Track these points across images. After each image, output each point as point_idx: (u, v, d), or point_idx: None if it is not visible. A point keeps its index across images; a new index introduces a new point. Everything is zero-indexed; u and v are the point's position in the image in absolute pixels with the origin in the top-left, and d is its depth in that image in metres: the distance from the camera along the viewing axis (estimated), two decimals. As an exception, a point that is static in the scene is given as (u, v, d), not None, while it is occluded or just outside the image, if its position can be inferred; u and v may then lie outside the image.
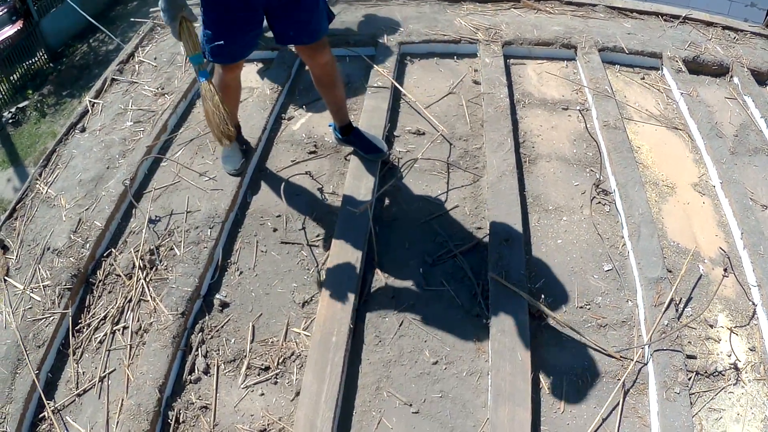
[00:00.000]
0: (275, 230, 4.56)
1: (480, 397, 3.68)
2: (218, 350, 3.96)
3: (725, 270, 4.43)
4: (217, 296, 4.21)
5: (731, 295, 4.34)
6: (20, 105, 17.43)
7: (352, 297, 4.00)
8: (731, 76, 6.43)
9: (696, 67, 6.42)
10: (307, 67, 5.17)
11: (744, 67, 6.44)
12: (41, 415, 3.87)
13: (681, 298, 4.23)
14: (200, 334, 4.03)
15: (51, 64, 19.00)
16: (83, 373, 4.02)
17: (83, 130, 5.77)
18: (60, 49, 19.43)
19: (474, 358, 3.85)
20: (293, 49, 5.97)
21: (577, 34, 6.29)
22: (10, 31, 17.52)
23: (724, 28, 7.09)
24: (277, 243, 4.48)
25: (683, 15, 7.11)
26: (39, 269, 4.55)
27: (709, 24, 7.09)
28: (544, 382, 3.78)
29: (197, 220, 4.57)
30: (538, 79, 5.96)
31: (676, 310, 4.11)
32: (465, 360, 3.85)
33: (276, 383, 3.80)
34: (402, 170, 4.93)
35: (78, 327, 4.24)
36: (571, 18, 6.63)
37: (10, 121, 17.00)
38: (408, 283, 4.21)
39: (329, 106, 4.79)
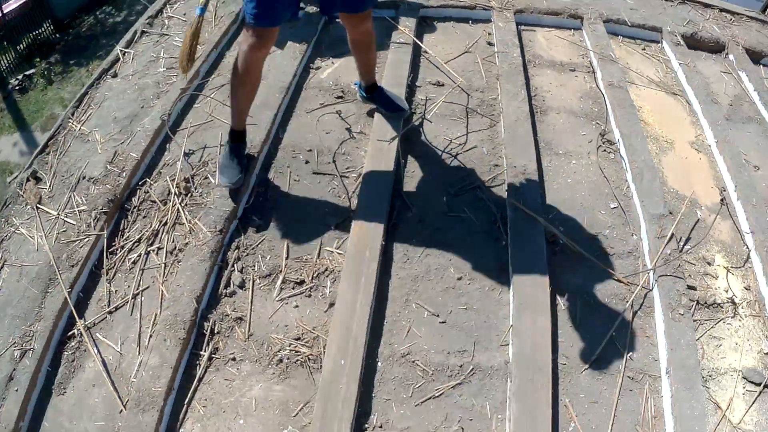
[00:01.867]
0: (307, 162, 4.79)
1: (502, 309, 3.98)
2: (254, 266, 4.18)
3: (722, 200, 4.79)
4: (254, 217, 4.44)
5: (727, 239, 4.67)
6: (27, 72, 17.58)
7: (382, 219, 4.27)
8: (727, 53, 6.78)
9: (694, 42, 6.74)
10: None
11: (739, 45, 6.79)
12: (70, 333, 4.01)
13: (681, 237, 4.55)
14: (236, 251, 4.24)
15: (57, 35, 19.18)
16: (115, 291, 4.18)
17: (115, 75, 5.95)
18: (66, 21, 19.63)
19: (496, 275, 4.16)
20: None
21: (583, 6, 6.58)
22: (15, 3, 17.69)
23: (721, 10, 7.38)
24: (309, 173, 4.72)
25: (683, -4, 7.43)
26: (74, 196, 4.72)
27: (707, 5, 7.37)
28: (560, 299, 4.10)
29: (231, 152, 4.80)
30: (547, 44, 6.27)
31: (677, 246, 4.45)
32: (487, 276, 4.15)
33: (310, 296, 4.03)
34: (426, 113, 5.23)
35: (112, 249, 4.41)
36: (579, -8, 6.93)
37: (17, 87, 17.15)
38: (432, 210, 4.50)
39: (360, 67, 4.96)
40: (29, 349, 3.88)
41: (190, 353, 3.80)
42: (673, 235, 4.45)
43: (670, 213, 4.62)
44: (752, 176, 5.16)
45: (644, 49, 6.57)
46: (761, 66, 6.85)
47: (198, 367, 3.74)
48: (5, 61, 17.80)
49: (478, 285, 4.12)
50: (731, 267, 4.54)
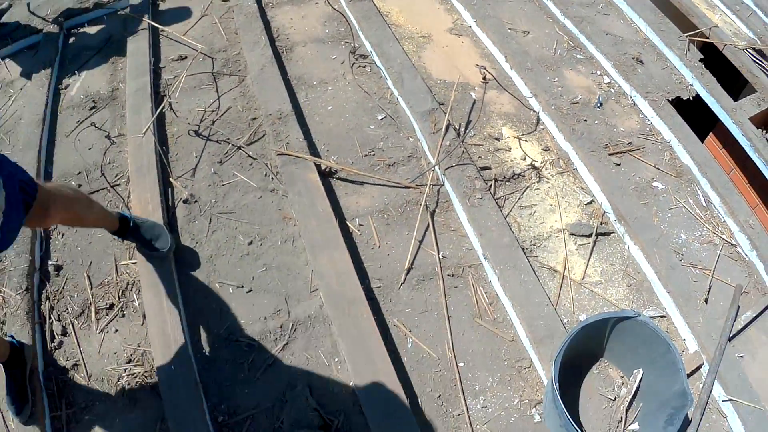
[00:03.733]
0: (80, 185, 4.72)
1: (300, 257, 4.06)
2: (67, 310, 4.13)
3: (484, 78, 4.84)
4: (50, 263, 4.37)
5: (511, 110, 4.81)
6: None
7: (159, 213, 4.27)
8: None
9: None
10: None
11: None
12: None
13: (460, 123, 4.65)
14: (47, 302, 4.18)
15: None
16: (-35, 381, 4.07)
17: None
18: None
19: (283, 227, 4.23)
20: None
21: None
22: None
23: None
24: (86, 196, 4.65)
25: None
26: None
27: None
28: (353, 227, 4.19)
29: (11, 201, 4.69)
30: (280, -18, 6.27)
31: (458, 134, 4.51)
32: (276, 231, 4.23)
33: (124, 315, 4.03)
34: (172, 92, 5.21)
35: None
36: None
37: None
38: (205, 185, 4.53)
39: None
40: None
41: (51, 419, 3.72)
42: (449, 125, 4.51)
43: (441, 105, 4.68)
44: (521, 42, 5.30)
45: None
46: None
47: (62, 429, 3.68)
48: None
49: (270, 242, 4.19)
50: (522, 134, 4.65)
